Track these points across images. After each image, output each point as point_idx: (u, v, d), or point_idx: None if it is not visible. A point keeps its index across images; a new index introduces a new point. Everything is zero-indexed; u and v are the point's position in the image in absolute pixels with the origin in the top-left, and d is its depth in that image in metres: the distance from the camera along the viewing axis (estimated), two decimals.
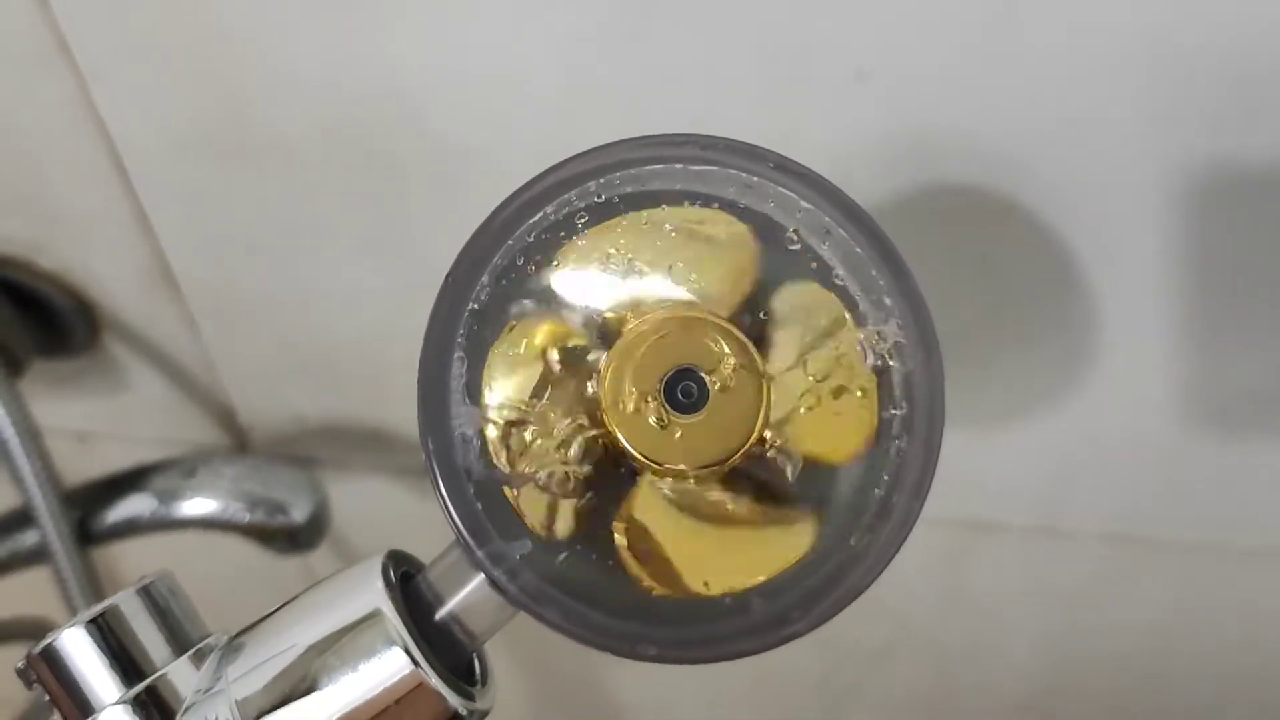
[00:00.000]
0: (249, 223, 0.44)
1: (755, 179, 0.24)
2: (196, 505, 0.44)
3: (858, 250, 0.24)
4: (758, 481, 0.24)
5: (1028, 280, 0.38)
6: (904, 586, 0.51)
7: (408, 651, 0.24)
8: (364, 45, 0.38)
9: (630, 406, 0.24)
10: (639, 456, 0.24)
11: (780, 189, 0.24)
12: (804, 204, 0.24)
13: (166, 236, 0.46)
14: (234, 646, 0.26)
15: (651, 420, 0.24)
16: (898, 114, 0.35)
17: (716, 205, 0.25)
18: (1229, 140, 0.33)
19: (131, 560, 0.53)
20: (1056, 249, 0.37)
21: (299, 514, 0.44)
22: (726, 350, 0.24)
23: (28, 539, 0.45)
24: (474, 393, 0.24)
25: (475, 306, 0.25)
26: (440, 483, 0.24)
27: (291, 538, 0.44)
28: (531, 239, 0.25)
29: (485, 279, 0.25)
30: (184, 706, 0.26)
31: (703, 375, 0.24)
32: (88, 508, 0.45)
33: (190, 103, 0.41)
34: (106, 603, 0.27)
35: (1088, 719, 0.54)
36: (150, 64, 0.41)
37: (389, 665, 0.24)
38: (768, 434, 0.24)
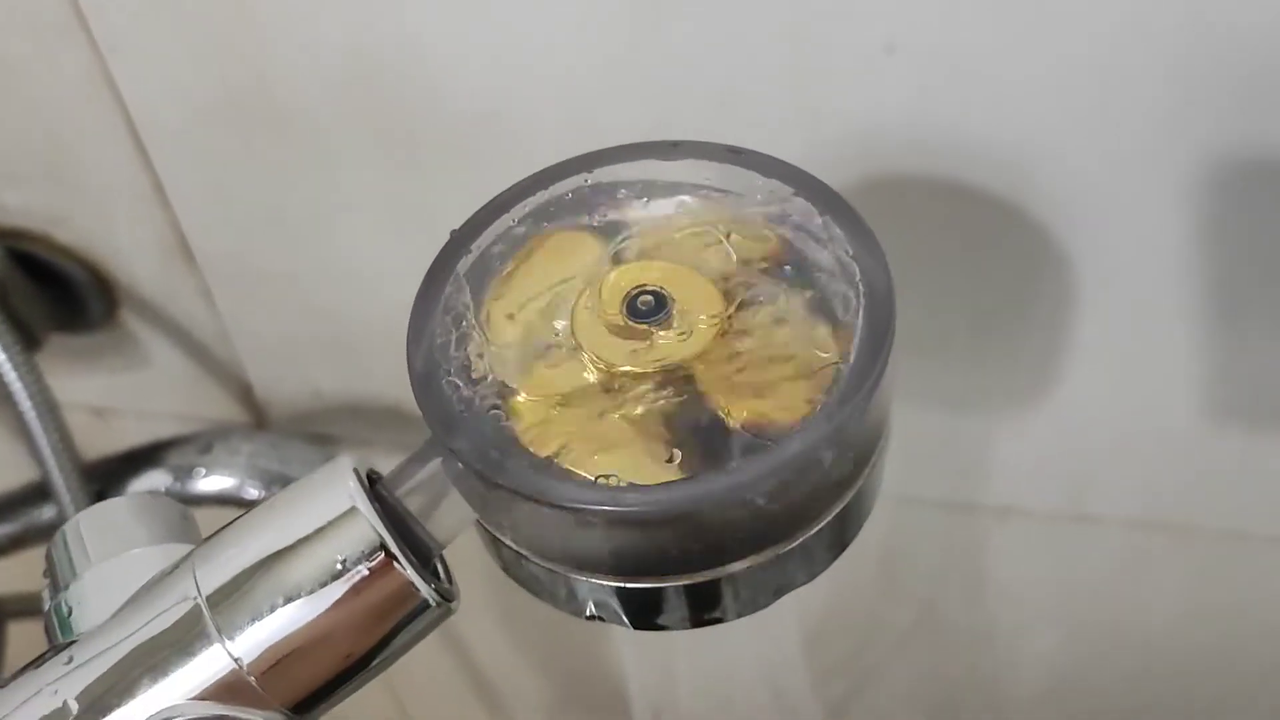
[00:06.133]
0: (267, 195, 0.44)
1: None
2: (212, 482, 0.45)
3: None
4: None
5: (1055, 264, 0.38)
6: (928, 571, 0.51)
7: (384, 546, 0.24)
8: (385, 14, 0.37)
9: (598, 323, 0.26)
10: (602, 363, 0.26)
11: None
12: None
13: (184, 209, 0.46)
14: (203, 552, 0.26)
15: (617, 333, 0.26)
16: (927, 88, 0.34)
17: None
18: (1257, 125, 0.33)
19: None
20: (1084, 234, 0.37)
21: None
22: (684, 273, 0.27)
23: (45, 513, 0.45)
24: (462, 312, 0.27)
25: (473, 252, 0.28)
26: (413, 375, 0.26)
27: None
28: (528, 210, 0.29)
29: (484, 235, 0.28)
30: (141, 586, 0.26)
31: (662, 291, 0.26)
32: (104, 483, 0.45)
33: (208, 74, 0.41)
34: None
35: (1110, 705, 0.54)
36: (168, 34, 0.40)
37: (367, 561, 0.24)
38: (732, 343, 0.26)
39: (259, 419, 0.54)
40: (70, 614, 0.26)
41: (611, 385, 0.26)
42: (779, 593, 0.26)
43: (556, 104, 0.38)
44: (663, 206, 0.28)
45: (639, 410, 0.25)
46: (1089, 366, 0.40)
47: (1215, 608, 0.48)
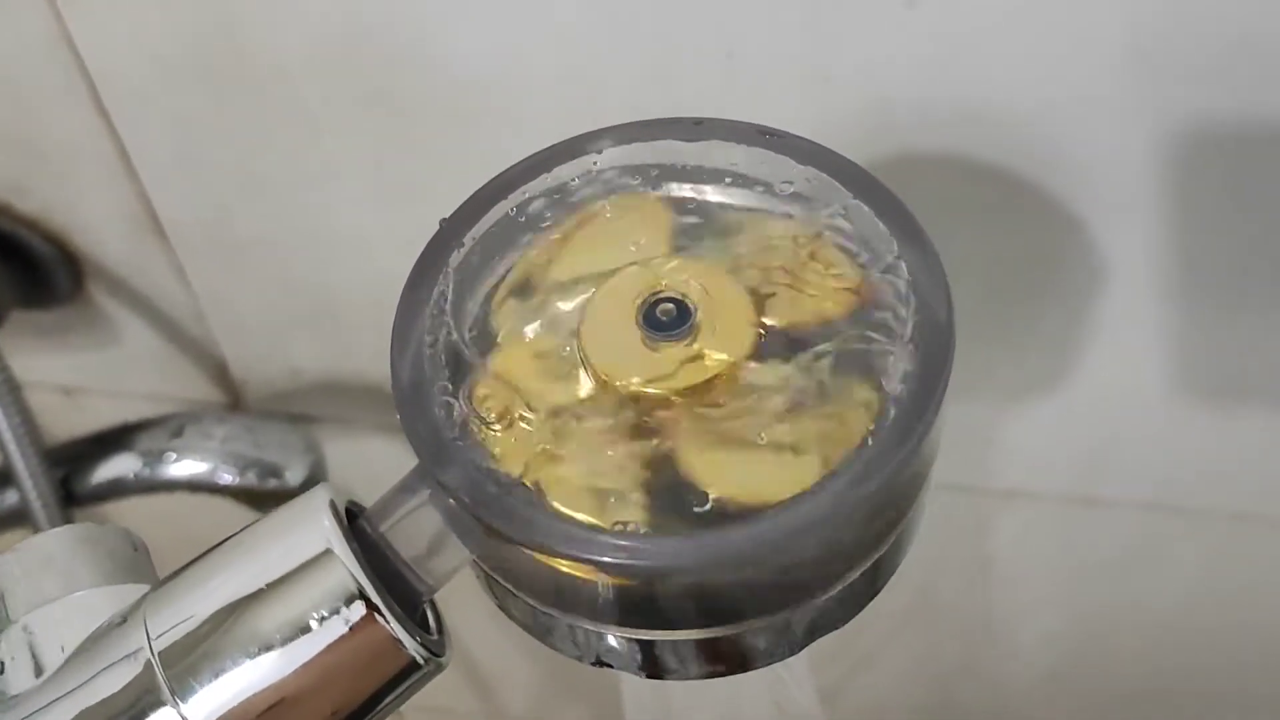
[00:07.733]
0: (241, 162, 0.43)
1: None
2: (184, 466, 0.43)
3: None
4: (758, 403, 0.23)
5: (1070, 245, 0.37)
6: (926, 556, 0.50)
7: (364, 595, 0.22)
8: None
9: (611, 332, 0.24)
10: (608, 378, 0.23)
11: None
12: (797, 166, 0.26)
13: (151, 177, 0.45)
14: (157, 597, 0.23)
15: (632, 345, 0.23)
16: (946, 47, 0.33)
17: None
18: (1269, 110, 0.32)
19: (121, 523, 0.53)
20: (1101, 214, 0.36)
21: (293, 476, 0.44)
22: (708, 278, 0.24)
23: (6, 499, 0.44)
24: (456, 318, 0.25)
25: (466, 245, 0.25)
26: (397, 390, 0.23)
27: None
28: (527, 197, 0.26)
29: (479, 225, 0.26)
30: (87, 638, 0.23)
31: (684, 298, 0.23)
32: (70, 467, 0.44)
33: (175, 28, 0.40)
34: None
35: (1108, 695, 0.54)
36: None
37: (344, 613, 0.22)
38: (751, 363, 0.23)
39: (235, 398, 0.53)
40: (0, 671, 0.24)
41: (627, 410, 0.23)
42: (805, 642, 0.24)
43: (553, 64, 0.37)
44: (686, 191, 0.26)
45: (661, 443, 0.22)
46: (1102, 348, 0.40)
47: (1225, 592, 0.48)
